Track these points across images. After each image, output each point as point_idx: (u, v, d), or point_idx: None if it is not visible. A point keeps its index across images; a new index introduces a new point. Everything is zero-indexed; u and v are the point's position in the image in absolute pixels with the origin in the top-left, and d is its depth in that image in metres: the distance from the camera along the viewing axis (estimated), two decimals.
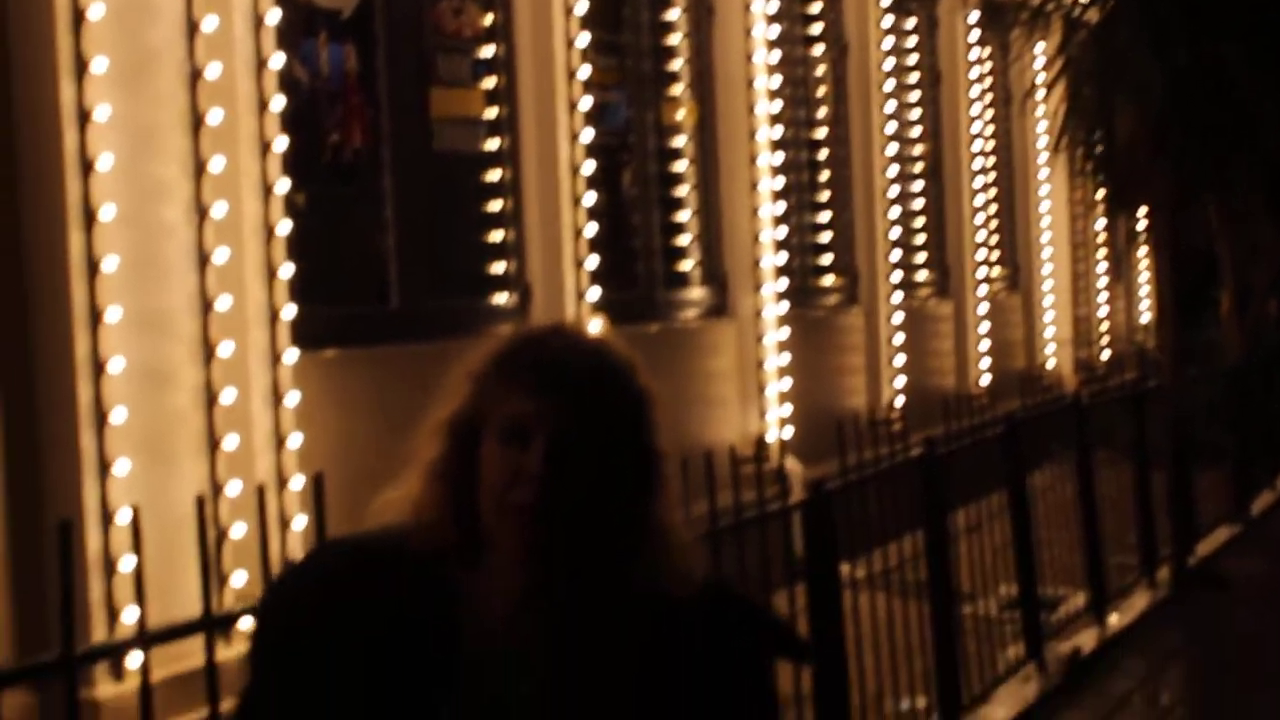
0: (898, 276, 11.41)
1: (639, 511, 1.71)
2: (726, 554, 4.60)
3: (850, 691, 5.45)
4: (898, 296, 11.37)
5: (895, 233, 11.32)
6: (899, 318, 11.29)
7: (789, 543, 7.36)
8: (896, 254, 11.36)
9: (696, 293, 9.34)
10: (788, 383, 9.43)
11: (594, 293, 7.95)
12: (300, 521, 5.79)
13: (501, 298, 7.77)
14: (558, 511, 1.64)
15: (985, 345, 12.72)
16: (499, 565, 1.70)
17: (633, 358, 1.75)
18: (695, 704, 1.71)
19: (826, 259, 10.92)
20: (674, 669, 1.71)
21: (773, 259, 9.44)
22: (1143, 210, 11.56)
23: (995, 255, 13.51)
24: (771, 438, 9.12)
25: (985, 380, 12.41)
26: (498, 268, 7.77)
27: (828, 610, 5.34)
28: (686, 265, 9.32)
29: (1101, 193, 11.89)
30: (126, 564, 5.21)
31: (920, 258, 12.35)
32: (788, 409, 9.37)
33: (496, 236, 7.77)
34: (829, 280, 10.96)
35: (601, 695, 1.68)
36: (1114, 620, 7.73)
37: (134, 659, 5.13)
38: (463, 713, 1.65)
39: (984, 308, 12.82)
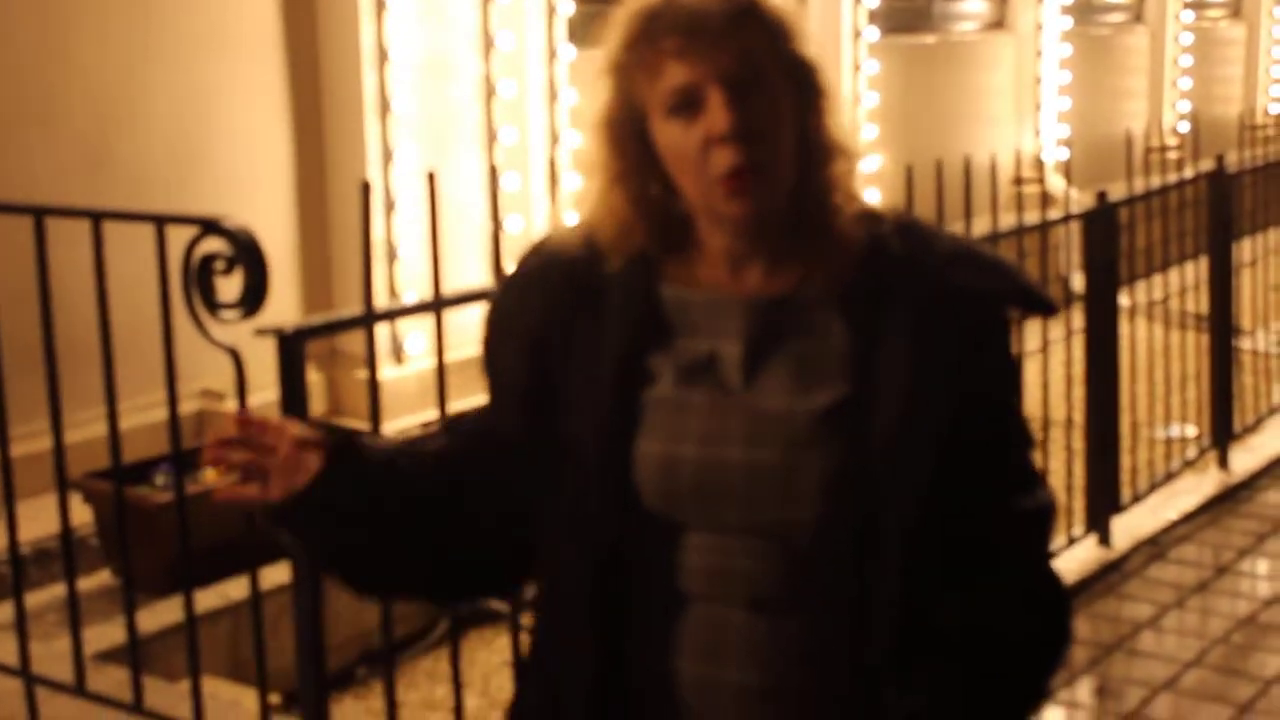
0: None
1: (819, 125, 1.63)
2: None
3: (1120, 415, 5.35)
4: (1187, 16, 10.77)
5: None
6: (1187, 39, 10.71)
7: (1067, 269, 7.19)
8: None
9: (975, 4, 8.98)
10: (1066, 102, 9.08)
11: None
12: (573, 218, 5.83)
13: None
14: (761, 160, 1.58)
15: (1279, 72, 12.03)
16: (707, 238, 1.66)
17: None
18: (923, 355, 1.60)
19: None
20: (893, 317, 1.61)
21: None
22: None
23: None
24: (1047, 158, 8.84)
25: (1276, 110, 11.77)
26: None
27: (1104, 331, 5.19)
28: None
29: None
30: (407, 250, 5.34)
31: None
32: (1065, 129, 9.04)
33: None
34: None
35: (814, 351, 1.62)
36: None
37: (414, 342, 5.31)
38: (677, 377, 1.63)
39: None
